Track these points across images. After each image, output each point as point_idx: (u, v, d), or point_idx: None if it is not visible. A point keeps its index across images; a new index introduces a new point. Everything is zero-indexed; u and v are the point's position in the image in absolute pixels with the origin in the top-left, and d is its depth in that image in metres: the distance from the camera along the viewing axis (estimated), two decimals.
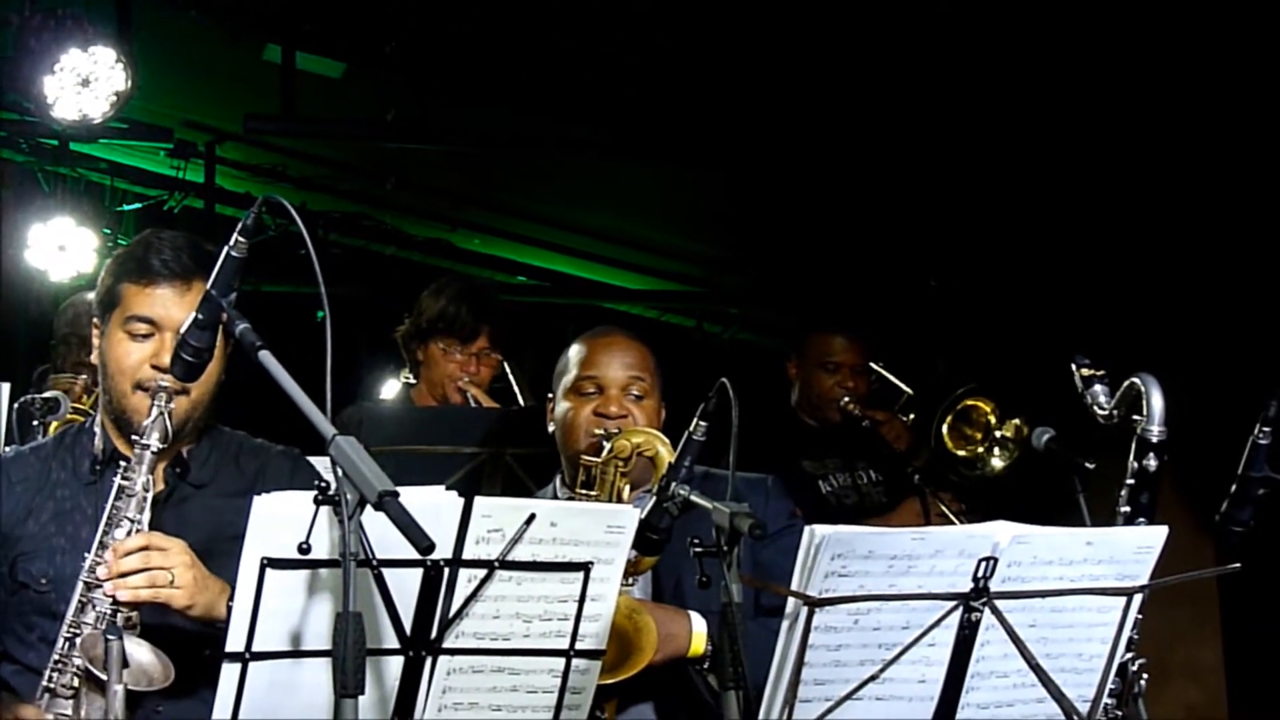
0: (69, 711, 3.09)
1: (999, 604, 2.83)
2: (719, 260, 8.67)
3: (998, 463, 5.24)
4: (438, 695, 2.83)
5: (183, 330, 2.99)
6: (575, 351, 3.76)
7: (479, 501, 2.75)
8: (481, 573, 2.78)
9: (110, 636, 2.84)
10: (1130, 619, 2.97)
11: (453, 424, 4.57)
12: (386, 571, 2.70)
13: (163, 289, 3.31)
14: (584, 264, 8.88)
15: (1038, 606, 2.87)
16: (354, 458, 2.53)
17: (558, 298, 8.90)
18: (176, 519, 3.30)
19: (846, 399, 5.34)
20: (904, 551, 2.77)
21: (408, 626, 2.76)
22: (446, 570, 2.75)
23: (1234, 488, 3.19)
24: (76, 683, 3.10)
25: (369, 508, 2.50)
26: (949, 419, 5.27)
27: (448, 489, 2.80)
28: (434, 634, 2.79)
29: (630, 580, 3.37)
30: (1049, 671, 2.91)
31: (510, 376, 5.23)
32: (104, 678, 2.86)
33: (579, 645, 2.90)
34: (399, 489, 2.51)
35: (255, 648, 2.67)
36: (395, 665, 2.79)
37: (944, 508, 5.17)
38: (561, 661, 2.89)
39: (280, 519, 2.64)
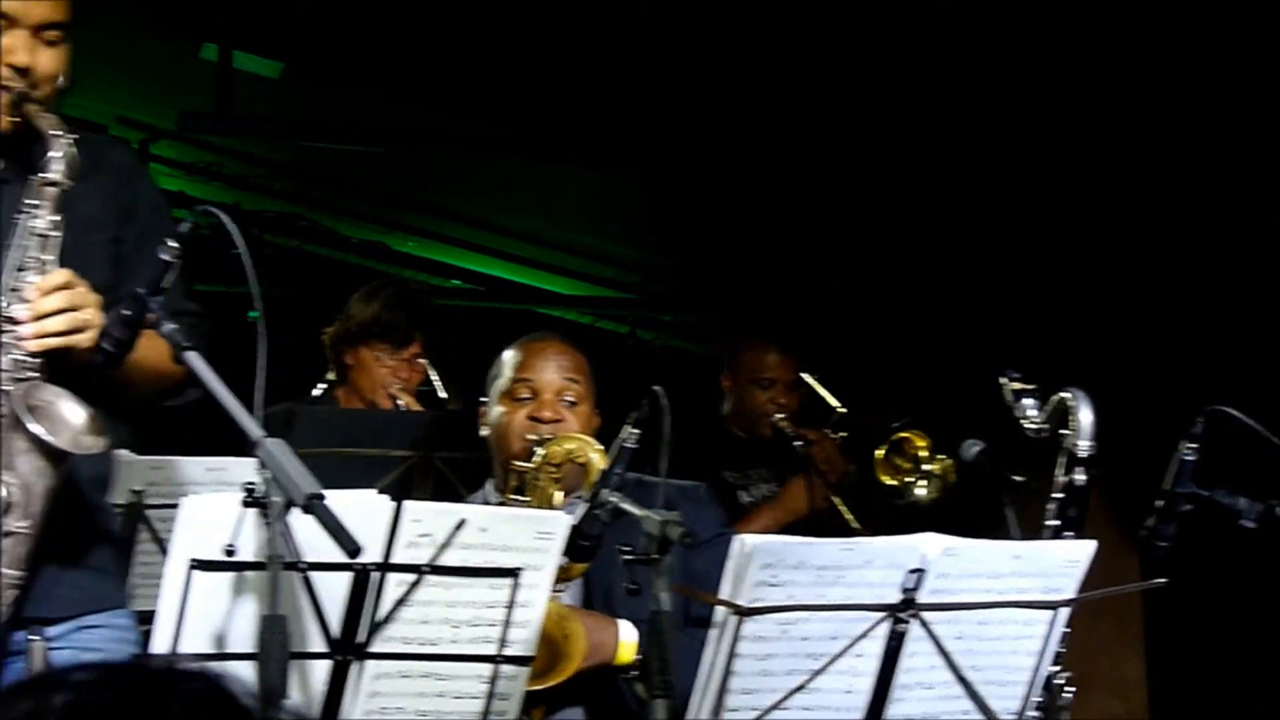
0: None
1: (926, 616, 2.85)
2: (653, 267, 8.66)
3: (922, 492, 5.25)
4: (365, 700, 2.81)
5: (106, 322, 2.78)
6: (510, 356, 3.75)
7: (409, 505, 2.74)
8: (411, 577, 2.77)
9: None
10: (1056, 632, 2.99)
11: (383, 427, 4.54)
12: (315, 575, 2.69)
13: None
14: (518, 269, 8.85)
15: (965, 619, 2.89)
16: (281, 460, 2.51)
17: (491, 302, 8.86)
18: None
19: (779, 416, 5.32)
20: (833, 562, 2.78)
21: (335, 630, 2.75)
22: (375, 574, 2.74)
23: (1159, 504, 3.22)
24: None
25: (297, 510, 2.49)
26: (884, 450, 5.29)
27: (379, 493, 2.79)
28: (362, 638, 2.77)
29: (561, 587, 3.36)
30: (975, 684, 2.93)
31: (435, 379, 5.20)
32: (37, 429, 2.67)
33: (507, 651, 2.89)
34: (327, 492, 2.49)
35: (180, 650, 2.65)
36: (322, 669, 2.77)
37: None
38: (490, 667, 2.89)
39: (207, 521, 2.62)
